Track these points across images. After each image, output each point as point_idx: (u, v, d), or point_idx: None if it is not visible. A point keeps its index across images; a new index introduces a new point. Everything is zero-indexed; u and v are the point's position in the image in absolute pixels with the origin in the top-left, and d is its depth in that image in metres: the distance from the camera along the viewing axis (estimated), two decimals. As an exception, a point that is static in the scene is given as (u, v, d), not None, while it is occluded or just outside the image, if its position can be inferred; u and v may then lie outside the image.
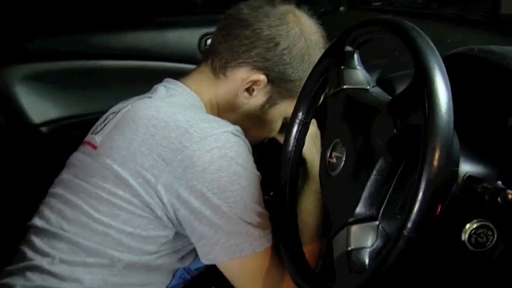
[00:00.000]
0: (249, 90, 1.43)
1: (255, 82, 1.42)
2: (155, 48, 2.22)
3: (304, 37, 1.43)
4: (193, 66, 1.52)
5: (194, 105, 1.40)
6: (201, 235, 1.26)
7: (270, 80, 1.42)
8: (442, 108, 0.84)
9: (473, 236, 1.01)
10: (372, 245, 0.96)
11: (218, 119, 1.34)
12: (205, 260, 1.29)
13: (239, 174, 1.25)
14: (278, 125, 1.52)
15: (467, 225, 1.01)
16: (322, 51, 1.40)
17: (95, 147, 1.37)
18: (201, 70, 1.47)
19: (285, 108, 1.47)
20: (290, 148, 1.28)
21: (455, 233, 1.02)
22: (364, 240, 0.96)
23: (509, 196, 0.90)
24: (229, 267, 1.30)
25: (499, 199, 0.90)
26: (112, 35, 2.21)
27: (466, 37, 1.68)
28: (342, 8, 2.38)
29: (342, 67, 1.15)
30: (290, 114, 1.40)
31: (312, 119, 1.28)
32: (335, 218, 1.06)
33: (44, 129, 2.10)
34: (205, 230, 1.26)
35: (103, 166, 1.31)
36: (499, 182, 0.94)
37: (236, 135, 1.29)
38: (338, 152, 1.09)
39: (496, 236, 1.01)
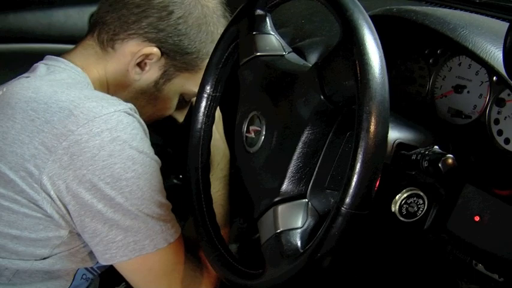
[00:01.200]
0: (141, 64, 1.31)
1: (147, 56, 1.29)
2: (40, 29, 2.08)
3: (200, 4, 1.32)
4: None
5: (79, 82, 1.25)
6: (94, 232, 1.13)
7: (163, 53, 1.30)
8: (375, 69, 0.77)
9: (404, 206, 0.98)
10: (303, 225, 0.89)
11: (108, 96, 1.19)
12: (102, 260, 1.17)
13: (134, 159, 1.12)
14: (174, 102, 1.40)
15: (397, 196, 0.97)
16: (221, 19, 1.35)
17: None
18: (86, 44, 1.32)
19: (181, 83, 1.36)
20: (199, 125, 1.19)
21: (385, 204, 0.98)
22: (294, 220, 0.89)
23: (450, 161, 0.84)
24: (130, 268, 1.18)
25: (440, 165, 0.84)
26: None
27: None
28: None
29: (254, 33, 1.06)
30: (187, 90, 1.35)
31: (221, 92, 1.18)
32: (258, 199, 0.97)
33: None
34: (98, 227, 1.13)
35: None
36: (437, 147, 0.88)
37: (130, 114, 1.15)
38: (256, 126, 1.01)
39: (426, 204, 0.98)
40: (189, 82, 1.35)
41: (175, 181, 1.44)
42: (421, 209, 0.98)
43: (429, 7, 1.11)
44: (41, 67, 1.26)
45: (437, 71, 1.14)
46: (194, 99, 1.28)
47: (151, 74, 1.32)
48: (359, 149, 0.75)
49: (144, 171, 1.14)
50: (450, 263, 1.11)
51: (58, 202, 1.11)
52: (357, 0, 0.85)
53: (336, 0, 0.85)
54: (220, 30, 1.28)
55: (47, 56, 1.30)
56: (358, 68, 0.77)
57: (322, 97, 0.87)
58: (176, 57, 1.31)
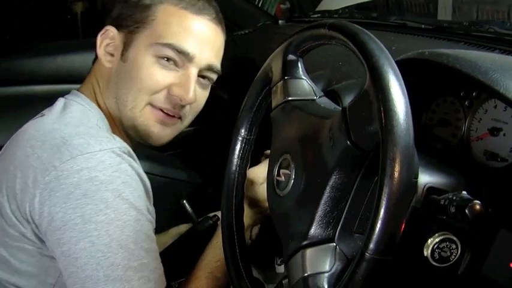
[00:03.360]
0: (110, 52, 1.34)
1: (110, 39, 1.33)
2: (87, 70, 2.11)
3: None
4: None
5: (88, 117, 1.26)
6: (62, 270, 1.11)
7: (118, 28, 1.34)
8: (400, 115, 0.77)
9: (436, 250, 0.96)
10: (330, 269, 0.88)
11: (103, 134, 1.19)
12: None
13: (108, 203, 1.09)
14: (152, 69, 1.32)
15: (429, 240, 0.96)
16: None
17: None
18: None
19: (143, 42, 1.33)
20: (234, 168, 1.19)
21: (417, 249, 0.96)
22: (322, 264, 0.89)
23: (477, 207, 0.83)
24: None
25: (466, 211, 0.83)
26: (40, 59, 2.10)
27: (411, 43, 1.64)
28: (281, 22, 2.32)
29: (286, 77, 1.07)
30: (155, 47, 1.32)
31: (256, 135, 1.19)
32: (288, 242, 0.97)
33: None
34: (62, 267, 1.11)
35: None
36: (464, 193, 0.87)
37: (117, 154, 1.14)
38: (286, 169, 1.01)
39: (460, 249, 0.96)
40: (150, 37, 1.33)
41: (210, 222, 1.45)
42: (454, 254, 0.96)
43: (462, 50, 1.10)
44: (59, 102, 1.30)
45: (473, 113, 1.13)
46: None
47: (118, 53, 1.34)
48: (383, 195, 0.75)
49: (117, 218, 1.10)
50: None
51: (40, 235, 1.12)
52: (384, 46, 0.85)
53: (362, 46, 0.85)
54: None
55: (73, 91, 1.35)
56: (382, 114, 0.78)
57: (348, 142, 0.87)
58: (127, 23, 1.33)
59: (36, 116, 1.29)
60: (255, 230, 1.40)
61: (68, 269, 1.10)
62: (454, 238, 0.95)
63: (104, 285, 1.08)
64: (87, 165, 1.10)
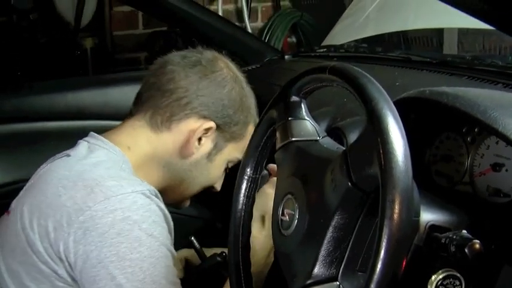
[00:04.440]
0: (200, 139, 1.39)
1: (206, 130, 1.38)
2: (97, 107, 2.15)
3: (238, 80, 1.43)
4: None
5: (114, 161, 1.31)
6: None
7: (218, 126, 1.39)
8: (398, 158, 0.79)
9: (440, 287, 0.96)
10: (335, 308, 0.89)
11: (132, 177, 1.25)
12: None
13: (141, 241, 1.15)
14: (223, 170, 1.47)
15: (433, 277, 0.96)
16: (248, 88, 1.44)
17: (8, 212, 1.30)
18: (135, 125, 1.40)
19: (228, 152, 1.44)
20: (240, 206, 1.20)
21: (421, 286, 0.97)
22: (326, 303, 0.89)
23: (477, 246, 0.84)
24: None
25: (466, 250, 0.84)
26: (50, 95, 2.13)
27: (414, 79, 1.66)
28: (287, 57, 2.35)
29: (289, 118, 1.09)
30: (233, 158, 1.44)
31: (261, 174, 1.21)
32: (292, 281, 0.98)
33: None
34: None
35: (13, 232, 1.23)
36: (464, 232, 0.88)
37: (147, 196, 1.20)
38: (290, 209, 1.02)
39: (464, 285, 0.97)
40: (235, 150, 1.43)
41: (218, 259, 1.46)
42: (459, 290, 0.97)
43: (462, 88, 1.12)
44: (82, 145, 1.34)
45: (475, 149, 1.14)
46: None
47: (206, 146, 1.40)
48: (383, 236, 0.77)
49: (150, 255, 1.15)
50: None
51: (72, 273, 1.16)
52: (381, 88, 0.87)
53: (361, 89, 0.88)
54: (250, 99, 1.40)
55: (91, 133, 1.39)
56: (381, 157, 0.79)
57: (350, 184, 0.88)
58: (225, 128, 1.40)
59: (60, 156, 1.34)
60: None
61: None
62: (458, 274, 0.96)
63: None
64: (120, 205, 1.15)
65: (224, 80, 1.39)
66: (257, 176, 1.20)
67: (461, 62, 1.73)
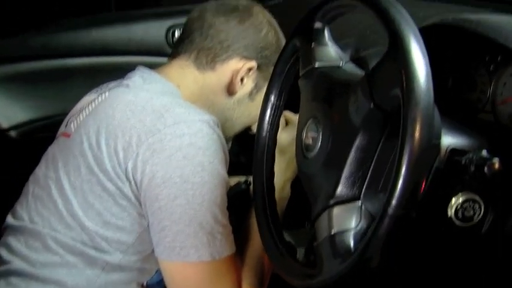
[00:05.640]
0: (242, 79, 1.44)
1: (248, 70, 1.43)
2: (121, 43, 2.15)
3: (272, 24, 1.48)
4: (160, 59, 1.49)
5: (172, 93, 1.37)
6: (152, 225, 1.23)
7: (258, 66, 1.44)
8: (420, 76, 0.80)
9: (460, 210, 0.98)
10: (356, 226, 0.91)
11: (195, 107, 1.31)
12: (155, 252, 1.26)
13: (204, 166, 1.21)
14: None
15: (453, 200, 0.98)
16: (285, 40, 1.43)
17: (68, 135, 1.34)
18: (183, 65, 1.44)
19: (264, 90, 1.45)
20: (264, 134, 1.23)
21: (441, 209, 0.99)
22: (348, 222, 0.91)
23: (496, 165, 0.86)
24: (169, 269, 1.25)
25: (485, 169, 0.86)
26: (75, 33, 2.14)
27: (439, 10, 1.64)
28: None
29: (313, 44, 1.10)
30: None
31: (285, 101, 1.22)
32: (315, 202, 1.00)
33: (13, 133, 2.04)
34: (154, 222, 1.22)
35: (77, 152, 1.28)
36: (484, 151, 0.90)
37: (211, 126, 1.26)
38: (313, 132, 1.04)
39: (483, 208, 0.98)
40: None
41: (243, 186, 1.48)
42: (478, 214, 0.98)
43: (484, 15, 1.11)
44: (137, 77, 1.39)
45: (498, 77, 1.15)
46: None
47: (247, 87, 1.45)
48: (404, 154, 0.78)
49: (210, 181, 1.21)
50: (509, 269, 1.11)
51: (137, 192, 1.23)
52: (405, 11, 0.88)
53: (383, 11, 0.88)
54: (283, 41, 1.41)
55: (140, 68, 1.43)
56: (403, 76, 0.80)
57: (372, 105, 0.90)
58: (264, 68, 1.44)
59: (119, 85, 1.38)
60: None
61: (162, 222, 1.21)
62: (477, 198, 0.97)
63: (193, 240, 1.20)
64: (188, 131, 1.21)
65: (261, 24, 1.44)
66: (280, 103, 1.22)
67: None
